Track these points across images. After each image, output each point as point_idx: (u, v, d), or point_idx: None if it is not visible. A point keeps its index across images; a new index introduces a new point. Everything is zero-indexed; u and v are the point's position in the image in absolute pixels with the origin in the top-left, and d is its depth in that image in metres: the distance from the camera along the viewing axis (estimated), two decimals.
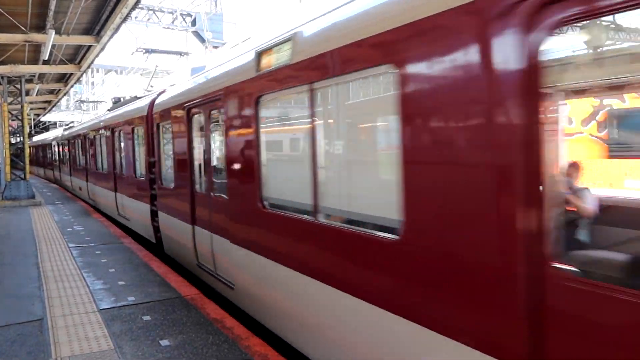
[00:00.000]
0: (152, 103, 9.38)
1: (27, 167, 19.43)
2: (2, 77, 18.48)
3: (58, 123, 46.95)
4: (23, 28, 13.63)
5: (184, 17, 21.56)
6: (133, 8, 12.26)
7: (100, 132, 14.70)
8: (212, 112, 6.32)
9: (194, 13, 21.56)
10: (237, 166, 5.46)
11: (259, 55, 4.84)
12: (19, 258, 8.74)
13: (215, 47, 20.89)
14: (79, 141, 18.95)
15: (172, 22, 21.21)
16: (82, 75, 21.09)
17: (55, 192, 23.16)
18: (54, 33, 12.76)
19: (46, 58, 15.18)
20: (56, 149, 26.94)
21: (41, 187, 26.69)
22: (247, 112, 5.10)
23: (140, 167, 10.45)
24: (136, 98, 12.20)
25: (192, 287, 6.73)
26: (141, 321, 5.43)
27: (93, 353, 4.60)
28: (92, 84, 53.34)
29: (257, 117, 4.91)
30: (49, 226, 12.50)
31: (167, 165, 8.71)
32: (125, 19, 12.96)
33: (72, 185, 21.39)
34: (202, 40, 21.57)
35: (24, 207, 17.16)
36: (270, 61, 4.56)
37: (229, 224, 5.77)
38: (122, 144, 12.00)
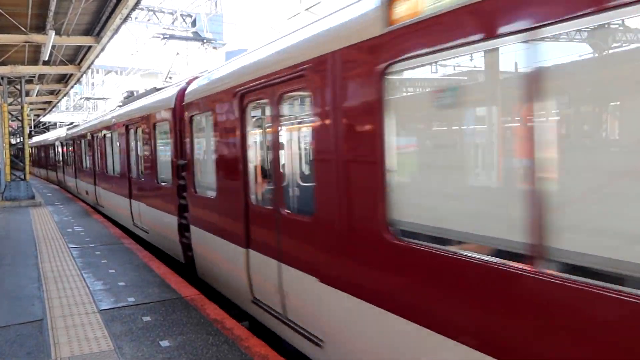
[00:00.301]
0: (181, 93, 7.86)
1: (27, 167, 19.45)
2: (2, 78, 18.51)
3: (58, 124, 47.02)
4: (23, 29, 13.65)
5: (184, 17, 21.58)
6: (133, 9, 12.29)
7: (111, 129, 13.17)
8: (287, 95, 4.79)
9: (194, 14, 21.59)
10: (336, 172, 3.86)
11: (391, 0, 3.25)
12: (19, 259, 8.74)
13: (215, 48, 20.91)
14: (86, 140, 17.39)
15: (172, 22, 21.22)
16: (82, 75, 21.14)
17: (55, 193, 23.16)
18: (54, 34, 12.79)
19: (46, 59, 15.22)
20: (59, 149, 25.92)
21: (41, 187, 26.70)
22: (362, 90, 3.53)
23: (164, 170, 8.88)
24: (155, 90, 10.63)
25: (192, 287, 6.74)
26: (141, 322, 5.43)
27: (93, 354, 4.60)
28: (92, 84, 53.44)
29: (382, 98, 3.30)
30: (49, 227, 12.50)
31: (205, 169, 7.17)
32: (125, 20, 12.99)
33: (78, 188, 20.33)
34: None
35: (24, 207, 17.17)
36: (419, 5, 3.01)
37: (316, 255, 4.16)
38: (140, 143, 10.38)
